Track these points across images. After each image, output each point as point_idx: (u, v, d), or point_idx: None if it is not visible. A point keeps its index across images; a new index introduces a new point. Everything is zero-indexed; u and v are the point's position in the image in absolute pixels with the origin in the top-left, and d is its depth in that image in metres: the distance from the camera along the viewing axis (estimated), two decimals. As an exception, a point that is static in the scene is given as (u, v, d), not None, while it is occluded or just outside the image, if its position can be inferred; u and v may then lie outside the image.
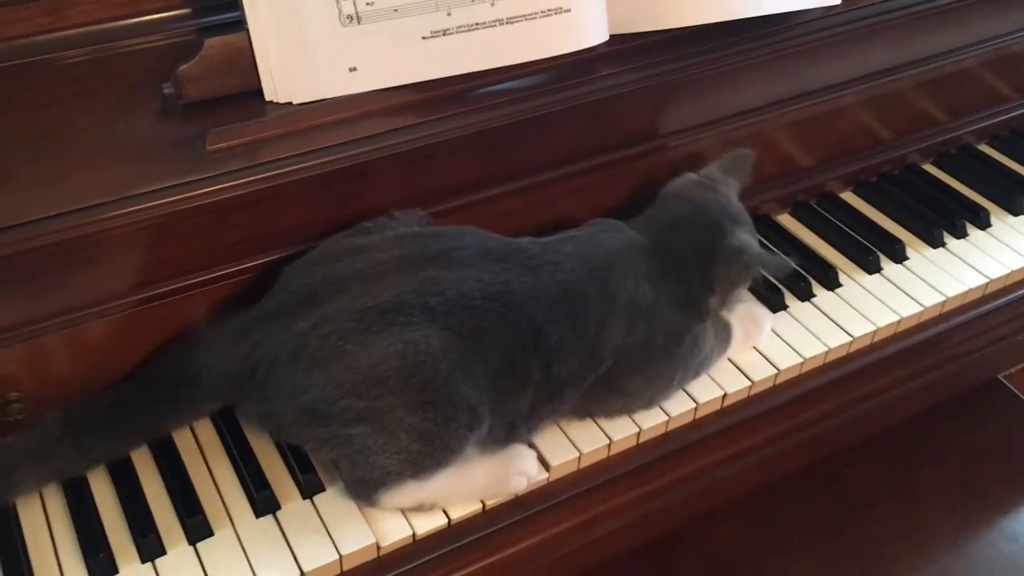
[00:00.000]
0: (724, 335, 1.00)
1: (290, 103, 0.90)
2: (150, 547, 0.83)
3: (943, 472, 1.29)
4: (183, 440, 0.92)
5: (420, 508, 0.87)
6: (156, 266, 0.87)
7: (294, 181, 0.87)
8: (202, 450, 0.92)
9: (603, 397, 0.94)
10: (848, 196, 1.26)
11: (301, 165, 0.87)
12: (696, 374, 0.99)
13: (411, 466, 0.84)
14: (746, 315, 1.03)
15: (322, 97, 0.91)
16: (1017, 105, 1.37)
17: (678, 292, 0.94)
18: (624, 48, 1.02)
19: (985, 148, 1.35)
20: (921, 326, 1.10)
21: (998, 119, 1.36)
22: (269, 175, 0.86)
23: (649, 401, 0.96)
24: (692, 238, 0.97)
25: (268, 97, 0.90)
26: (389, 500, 0.86)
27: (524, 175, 1.01)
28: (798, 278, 1.10)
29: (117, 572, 0.81)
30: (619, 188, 1.09)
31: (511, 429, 0.89)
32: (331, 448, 0.85)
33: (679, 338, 0.94)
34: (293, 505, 0.87)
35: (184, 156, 0.85)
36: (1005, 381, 1.42)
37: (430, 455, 0.83)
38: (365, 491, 0.86)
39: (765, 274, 1.06)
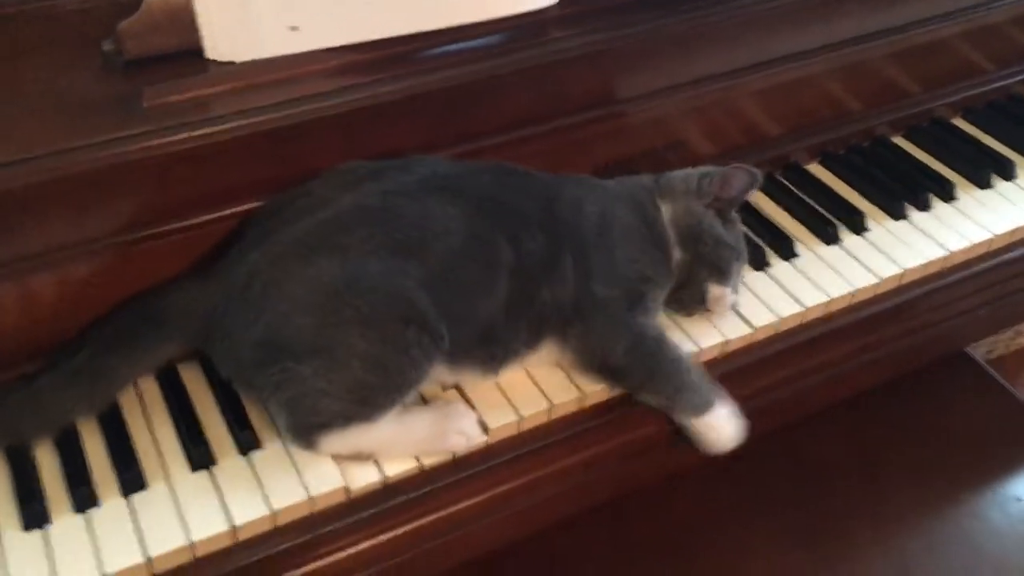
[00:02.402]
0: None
1: (231, 62, 0.90)
2: (83, 498, 0.83)
3: (907, 448, 1.28)
4: (125, 396, 0.93)
5: (357, 456, 0.88)
6: (98, 221, 0.87)
7: (233, 139, 0.87)
8: (144, 406, 0.92)
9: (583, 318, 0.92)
10: (814, 168, 1.25)
11: (240, 123, 0.87)
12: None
13: (362, 406, 0.84)
14: None
15: (263, 56, 0.91)
16: (994, 78, 1.35)
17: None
18: (576, 11, 1.02)
19: (959, 122, 1.33)
20: (878, 298, 1.09)
21: (973, 92, 1.34)
22: (207, 132, 0.86)
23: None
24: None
25: (209, 55, 0.90)
26: (329, 444, 0.86)
27: (474, 138, 1.01)
28: (754, 248, 1.10)
29: (50, 522, 0.82)
30: (578, 155, 1.08)
31: (488, 338, 0.89)
32: (284, 390, 0.85)
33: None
34: (229, 461, 0.88)
35: (121, 112, 0.85)
36: (977, 357, 1.41)
37: (383, 389, 0.84)
38: (307, 435, 0.86)
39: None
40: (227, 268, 0.88)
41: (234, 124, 0.87)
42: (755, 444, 1.16)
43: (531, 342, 0.93)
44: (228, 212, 0.92)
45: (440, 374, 0.91)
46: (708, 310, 1.01)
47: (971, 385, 1.37)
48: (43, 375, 0.86)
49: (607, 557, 1.16)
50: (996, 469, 1.26)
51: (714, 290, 0.99)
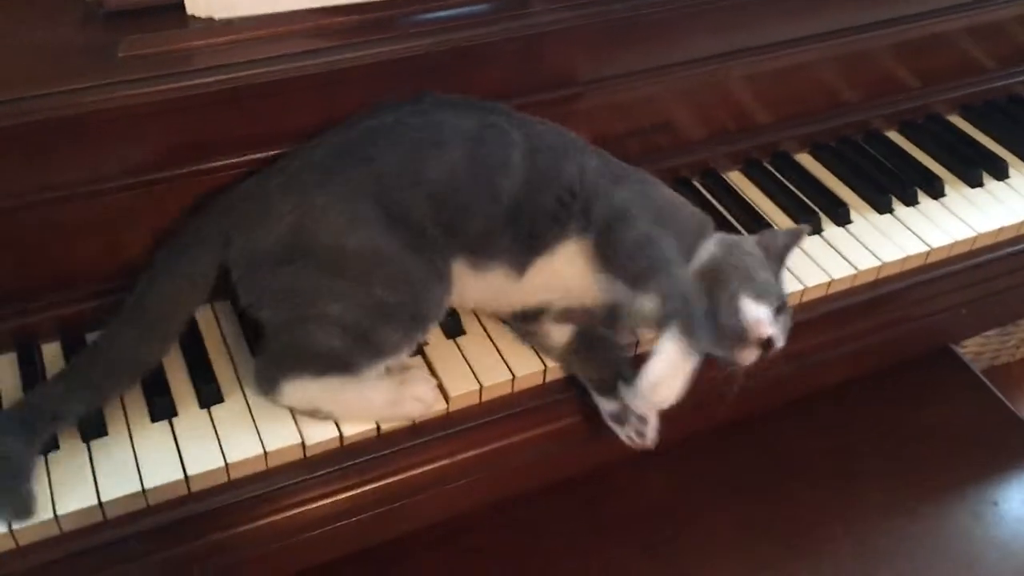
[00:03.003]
0: None
1: (210, 18, 0.91)
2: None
3: (886, 445, 1.28)
4: (93, 344, 0.94)
5: (314, 414, 0.88)
6: (69, 168, 0.88)
7: (206, 94, 0.88)
8: (113, 356, 0.94)
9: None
10: (803, 157, 1.24)
11: (213, 78, 0.87)
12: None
13: (358, 346, 0.86)
14: None
15: (242, 14, 0.91)
16: (995, 77, 1.33)
17: None
18: (562, -16, 1.01)
19: (955, 119, 1.32)
20: (855, 290, 1.08)
21: (973, 89, 1.32)
22: (180, 85, 0.86)
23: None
24: None
25: (189, 11, 0.91)
26: (293, 391, 0.87)
27: (454, 108, 1.01)
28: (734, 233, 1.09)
29: (8, 460, 0.84)
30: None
31: (513, 217, 0.90)
32: (296, 307, 0.86)
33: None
34: (190, 413, 0.89)
35: (97, 62, 0.86)
36: (965, 358, 1.39)
37: (398, 315, 0.86)
38: (276, 375, 0.87)
39: None
40: (258, 184, 0.90)
41: (208, 79, 0.87)
42: (731, 432, 1.17)
43: (558, 221, 0.91)
44: (200, 167, 0.92)
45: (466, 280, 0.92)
46: (745, 337, 0.91)
47: (958, 387, 1.36)
48: (102, 332, 0.87)
49: (577, 535, 1.16)
50: (975, 472, 1.25)
51: (746, 304, 0.90)
